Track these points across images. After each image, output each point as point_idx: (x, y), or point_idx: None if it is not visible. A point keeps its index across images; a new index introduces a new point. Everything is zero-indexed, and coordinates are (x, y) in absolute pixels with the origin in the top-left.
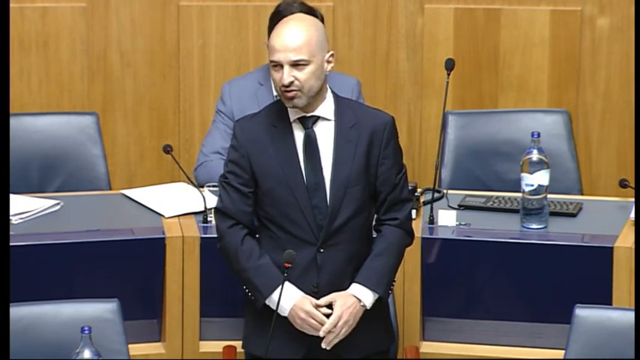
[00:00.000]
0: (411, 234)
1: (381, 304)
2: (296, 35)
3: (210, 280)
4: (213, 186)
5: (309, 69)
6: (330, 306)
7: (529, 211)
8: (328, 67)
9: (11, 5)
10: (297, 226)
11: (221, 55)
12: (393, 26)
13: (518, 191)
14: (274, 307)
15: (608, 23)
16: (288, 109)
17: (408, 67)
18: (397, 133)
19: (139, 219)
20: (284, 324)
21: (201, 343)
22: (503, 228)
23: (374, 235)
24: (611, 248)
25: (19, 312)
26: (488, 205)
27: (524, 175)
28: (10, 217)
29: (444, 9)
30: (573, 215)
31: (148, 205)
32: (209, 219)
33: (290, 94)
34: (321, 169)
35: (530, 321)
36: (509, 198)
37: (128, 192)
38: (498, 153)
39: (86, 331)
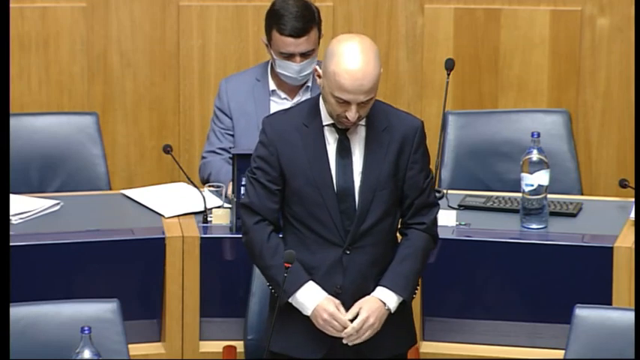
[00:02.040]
0: (436, 239)
1: (403, 307)
2: (366, 76)
3: (210, 280)
4: (214, 186)
5: (371, 101)
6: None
7: (529, 211)
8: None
9: (11, 5)
10: (323, 227)
11: (221, 55)
12: (393, 26)
13: (518, 191)
14: (297, 306)
15: (608, 23)
16: (322, 111)
17: (408, 67)
18: (426, 137)
19: (139, 219)
20: (307, 322)
21: (201, 343)
22: (503, 228)
23: (399, 239)
24: (611, 248)
25: (19, 312)
26: (488, 205)
27: (524, 175)
28: (10, 217)
29: (444, 9)
30: (573, 215)
31: (147, 205)
32: (209, 219)
33: (349, 125)
34: (352, 175)
35: (530, 321)
36: (509, 198)
37: (128, 192)
38: (498, 153)
39: (86, 331)
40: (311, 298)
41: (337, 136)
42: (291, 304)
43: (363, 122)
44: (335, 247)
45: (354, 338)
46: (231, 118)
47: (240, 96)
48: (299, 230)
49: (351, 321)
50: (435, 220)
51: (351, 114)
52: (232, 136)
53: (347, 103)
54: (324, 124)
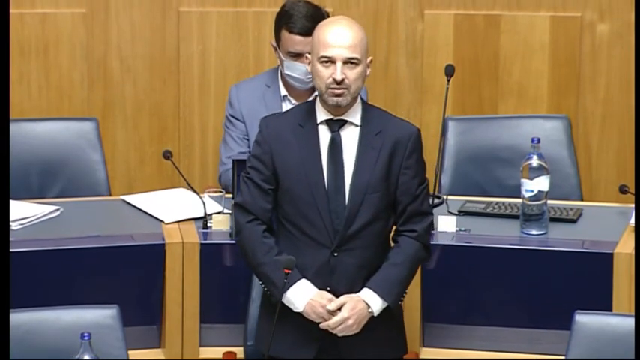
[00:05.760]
0: (428, 248)
1: (390, 313)
2: (350, 34)
3: (210, 286)
4: (214, 192)
5: (358, 69)
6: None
7: (529, 217)
8: (368, 71)
9: (11, 11)
10: (313, 228)
11: (221, 61)
12: (393, 32)
13: (518, 197)
14: (288, 304)
15: (607, 29)
16: (317, 110)
17: (407, 72)
18: (422, 146)
19: (139, 225)
20: (297, 323)
21: (201, 349)
22: (503, 234)
23: (391, 245)
24: (611, 254)
25: (19, 318)
26: (488, 211)
27: (524, 180)
28: (10, 223)
29: (444, 15)
30: (573, 221)
31: (147, 211)
32: (209, 225)
33: (338, 91)
34: (343, 173)
35: (530, 327)
36: (509, 204)
37: (128, 198)
38: (498, 159)
39: (86, 337)
40: (303, 294)
41: (330, 134)
42: (281, 304)
43: (357, 123)
44: (323, 249)
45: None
46: (244, 123)
47: (251, 102)
48: (289, 231)
49: (332, 313)
50: (428, 229)
51: (337, 73)
52: (248, 140)
53: (332, 63)
54: (318, 122)
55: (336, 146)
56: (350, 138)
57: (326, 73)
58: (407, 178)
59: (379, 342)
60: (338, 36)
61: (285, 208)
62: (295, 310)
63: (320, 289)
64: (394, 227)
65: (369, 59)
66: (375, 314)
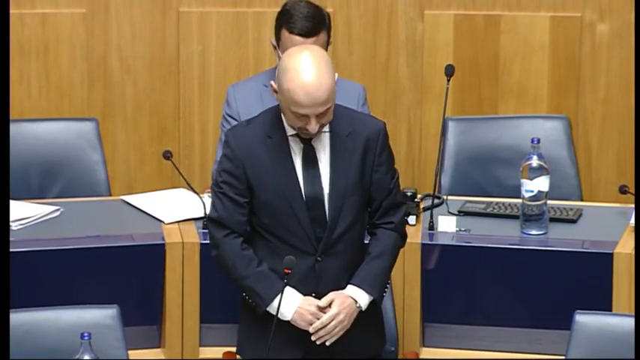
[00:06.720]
0: (404, 237)
1: (374, 307)
2: (320, 87)
3: (210, 286)
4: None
5: (331, 109)
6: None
7: (529, 217)
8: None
9: (11, 11)
10: (295, 237)
11: (221, 61)
12: (393, 32)
13: (518, 197)
14: (275, 313)
15: (607, 29)
16: (285, 121)
17: (407, 73)
18: (388, 138)
19: (139, 225)
20: (281, 328)
21: (201, 349)
22: (503, 234)
23: (367, 239)
24: (611, 254)
25: (19, 318)
26: (488, 211)
27: (524, 181)
28: (10, 223)
29: (444, 15)
30: (573, 221)
31: (147, 211)
32: None
33: (313, 135)
34: (320, 182)
35: (530, 327)
36: (509, 204)
37: (128, 198)
38: (498, 159)
39: (86, 337)
40: (289, 303)
41: (302, 145)
42: (267, 312)
43: (327, 129)
44: (307, 256)
45: (323, 333)
46: None
47: (248, 102)
48: (270, 241)
49: (322, 310)
50: (403, 218)
51: (312, 126)
52: None
53: (305, 116)
54: (288, 134)
55: (310, 158)
56: (321, 145)
57: (298, 122)
58: (380, 174)
59: (365, 337)
60: (309, 95)
61: (264, 220)
62: (283, 319)
63: (305, 295)
64: (369, 221)
65: (335, 78)
66: (363, 309)
